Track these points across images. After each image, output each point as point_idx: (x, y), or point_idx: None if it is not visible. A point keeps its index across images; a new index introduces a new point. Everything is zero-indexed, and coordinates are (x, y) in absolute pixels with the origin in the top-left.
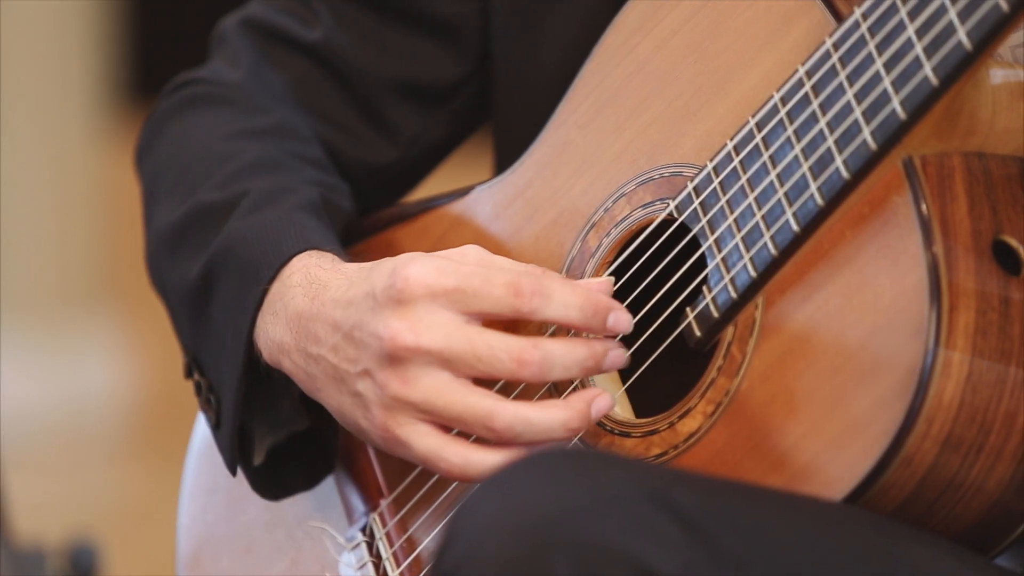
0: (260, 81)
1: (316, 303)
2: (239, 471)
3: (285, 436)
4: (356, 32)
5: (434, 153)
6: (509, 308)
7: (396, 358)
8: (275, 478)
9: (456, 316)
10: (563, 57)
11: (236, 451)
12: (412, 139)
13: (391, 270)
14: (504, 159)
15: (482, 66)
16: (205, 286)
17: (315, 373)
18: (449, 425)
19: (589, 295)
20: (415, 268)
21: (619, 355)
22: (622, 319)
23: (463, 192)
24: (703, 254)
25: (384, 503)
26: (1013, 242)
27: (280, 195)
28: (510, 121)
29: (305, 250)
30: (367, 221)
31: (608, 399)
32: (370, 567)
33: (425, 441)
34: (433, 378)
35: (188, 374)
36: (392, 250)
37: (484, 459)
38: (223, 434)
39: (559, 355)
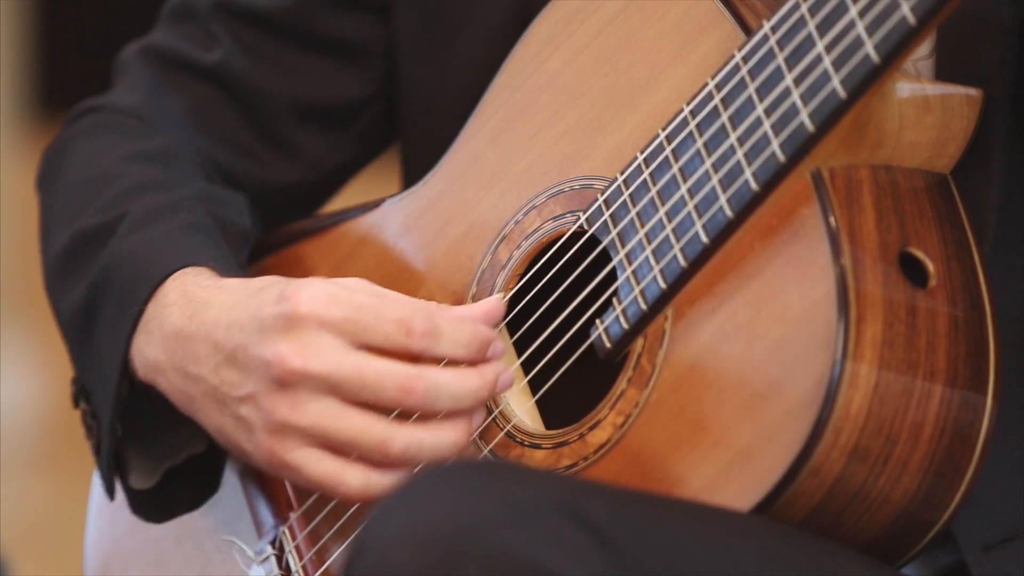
0: (158, 106)
1: (195, 321)
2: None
3: (184, 458)
4: (256, 55)
5: (339, 173)
6: (399, 345)
7: (284, 383)
8: (161, 501)
9: (345, 344)
10: (470, 79)
11: (113, 478)
12: (315, 160)
13: (280, 295)
14: (412, 176)
15: (387, 87)
16: (88, 311)
17: (193, 393)
18: (341, 450)
19: (476, 331)
20: (306, 295)
21: (507, 379)
22: (498, 348)
23: (374, 205)
24: (614, 266)
25: (293, 516)
26: (920, 254)
27: (160, 214)
28: (417, 140)
29: (182, 267)
30: (275, 235)
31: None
32: None
33: (320, 466)
34: (321, 403)
35: (75, 403)
36: (300, 265)
37: (383, 480)
38: (101, 459)
39: (447, 384)
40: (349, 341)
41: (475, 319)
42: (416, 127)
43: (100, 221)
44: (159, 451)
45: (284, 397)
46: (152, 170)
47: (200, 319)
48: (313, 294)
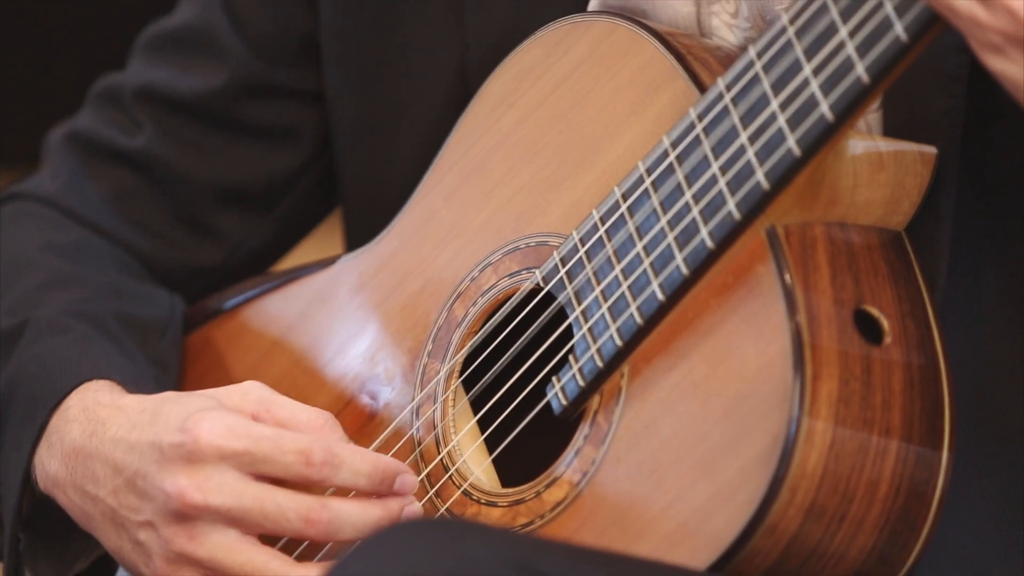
0: (78, 194)
1: (95, 440)
2: None
3: (96, 558)
4: (178, 141)
5: (263, 255)
6: (299, 475)
7: (183, 515)
8: None
9: (245, 476)
10: (415, 157)
11: None
12: (237, 244)
13: (180, 425)
14: (355, 245)
15: (314, 170)
16: None
17: (92, 512)
18: None
19: (378, 461)
20: (206, 427)
21: (413, 511)
22: (408, 481)
23: (329, 262)
24: (570, 323)
25: None
26: (874, 311)
27: (67, 319)
28: (361, 214)
29: (85, 381)
30: (231, 291)
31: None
32: None
33: None
34: (221, 536)
35: None
36: (254, 326)
37: None
38: (5, 565)
39: (350, 515)
40: (249, 472)
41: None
42: (360, 203)
43: (8, 324)
44: (72, 552)
45: (183, 528)
46: (65, 263)
47: (100, 438)
48: (212, 426)
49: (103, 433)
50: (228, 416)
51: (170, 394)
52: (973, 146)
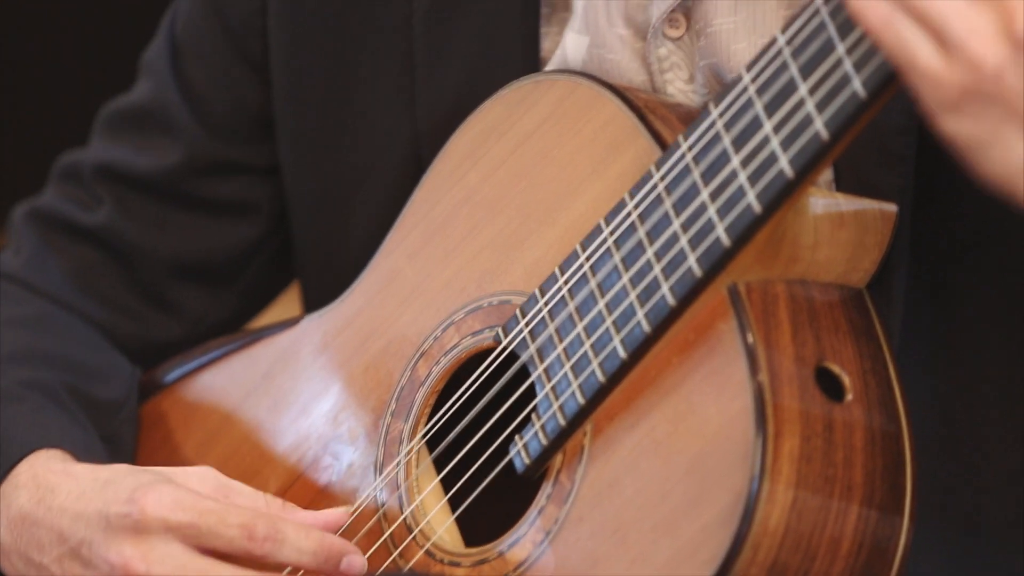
0: (40, 269)
1: (42, 507)
2: None
3: None
4: (138, 217)
5: (224, 327)
6: (242, 550)
7: None
8: None
9: (190, 549)
10: (370, 229)
11: None
12: (197, 317)
13: (128, 496)
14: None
15: (272, 243)
16: None
17: None
18: None
19: (323, 540)
20: (152, 499)
21: None
22: (355, 562)
23: (292, 322)
24: (533, 382)
25: None
26: (836, 369)
27: (22, 390)
28: (318, 283)
29: (35, 450)
30: (196, 351)
31: None
32: None
33: None
34: None
35: None
36: (215, 388)
37: None
38: None
39: None
40: (194, 545)
41: (320, 526)
42: (317, 274)
43: None
44: None
45: None
46: (25, 337)
47: (47, 505)
48: (159, 498)
49: (51, 500)
50: (176, 490)
51: (122, 466)
52: (920, 223)
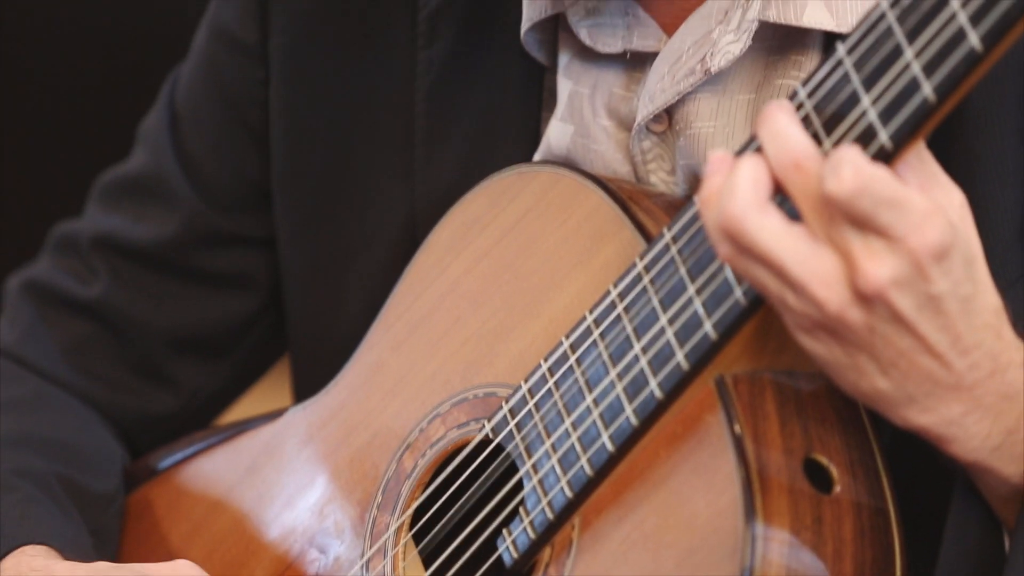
0: (34, 344)
1: None
2: None
3: None
4: (134, 289)
5: (219, 400)
6: None
7: None
8: None
9: None
10: (362, 306)
11: None
12: (193, 390)
13: None
14: (303, 393)
15: (268, 315)
16: None
17: None
18: None
19: None
20: None
21: None
22: None
23: (277, 414)
24: (521, 475)
25: None
26: (824, 460)
27: (14, 479)
28: (308, 361)
29: (21, 545)
30: (178, 444)
31: None
32: None
33: None
34: None
35: None
36: (200, 480)
37: None
38: None
39: None
40: None
41: None
42: (308, 350)
43: None
44: None
45: None
46: (20, 421)
47: None
48: None
49: None
50: None
51: (103, 565)
52: None
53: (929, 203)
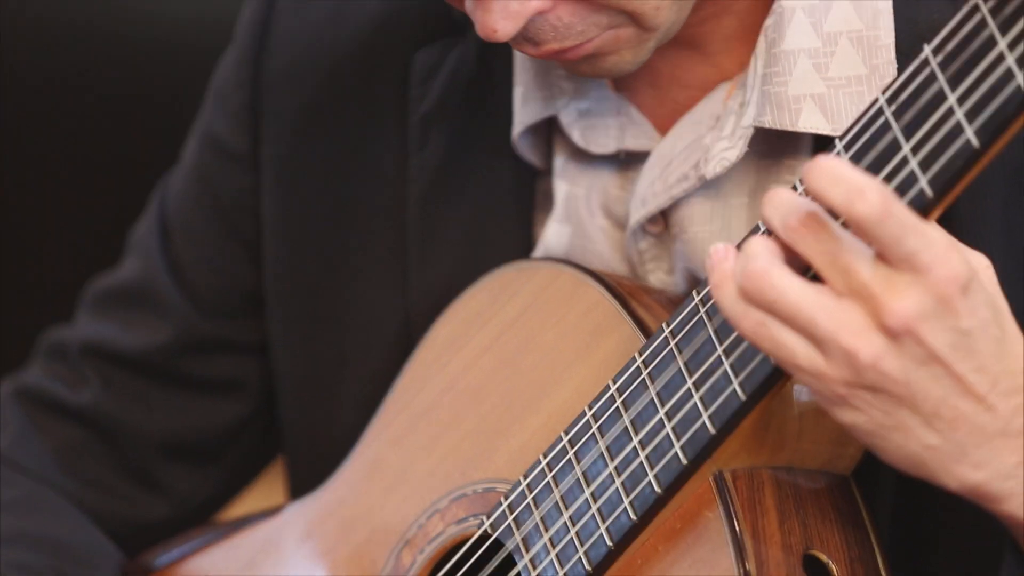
0: (25, 449)
1: None
2: None
3: None
4: (124, 396)
5: (210, 506)
6: None
7: None
8: None
9: None
10: (357, 410)
11: None
12: (184, 496)
13: None
14: (299, 491)
15: (259, 419)
16: None
17: None
18: None
19: None
20: None
21: None
22: None
23: (275, 511)
24: (519, 570)
25: None
26: (823, 556)
27: (12, 573)
28: (303, 462)
29: None
30: (175, 540)
31: None
32: None
33: None
34: None
35: None
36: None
37: None
38: None
39: None
40: None
41: None
42: (303, 454)
43: None
44: None
45: None
46: (14, 520)
47: None
48: None
49: None
50: None
51: None
52: None
53: (948, 239)
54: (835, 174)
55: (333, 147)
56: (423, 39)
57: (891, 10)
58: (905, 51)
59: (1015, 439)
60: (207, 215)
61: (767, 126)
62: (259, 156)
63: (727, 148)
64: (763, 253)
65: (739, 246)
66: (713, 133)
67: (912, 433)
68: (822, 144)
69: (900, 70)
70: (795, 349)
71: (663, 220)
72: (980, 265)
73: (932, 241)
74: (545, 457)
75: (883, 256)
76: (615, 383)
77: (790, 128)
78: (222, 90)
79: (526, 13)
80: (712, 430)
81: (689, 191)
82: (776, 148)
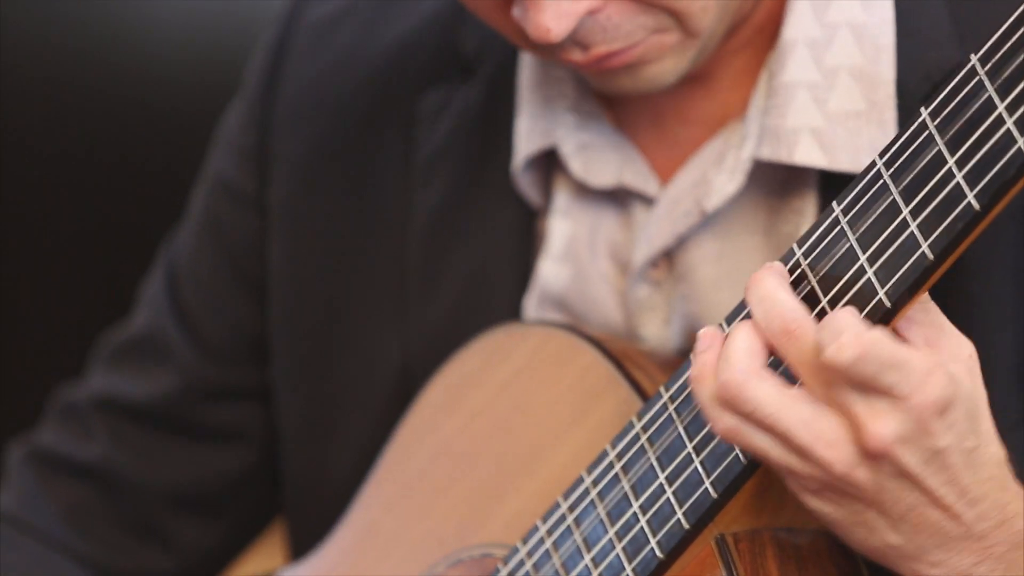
0: (33, 508)
1: None
2: None
3: None
4: (132, 448)
5: (215, 559)
6: None
7: None
8: None
9: None
10: (354, 462)
11: None
12: (191, 549)
13: None
14: (299, 551)
15: (265, 470)
16: None
17: None
18: None
19: None
20: None
21: None
22: None
23: None
24: None
25: None
26: None
27: None
28: (302, 518)
29: None
30: None
31: None
32: None
33: None
34: None
35: None
36: None
37: None
38: None
39: None
40: None
41: None
42: (301, 506)
43: None
44: None
45: None
46: None
47: None
48: None
49: None
50: None
51: None
52: None
53: (929, 360)
54: (795, 320)
55: (339, 190)
56: (430, 80)
57: (894, 47)
58: (907, 88)
59: (976, 542)
60: (215, 259)
61: (765, 158)
62: (266, 199)
63: (727, 182)
64: (742, 359)
65: (730, 319)
66: (715, 168)
67: (876, 532)
68: (827, 183)
69: (900, 107)
70: (768, 451)
71: (667, 264)
72: (964, 354)
73: (910, 371)
74: (544, 523)
75: (862, 389)
76: (614, 448)
77: (787, 161)
78: (230, 134)
79: (579, 12)
80: (714, 494)
81: (692, 227)
82: (782, 187)
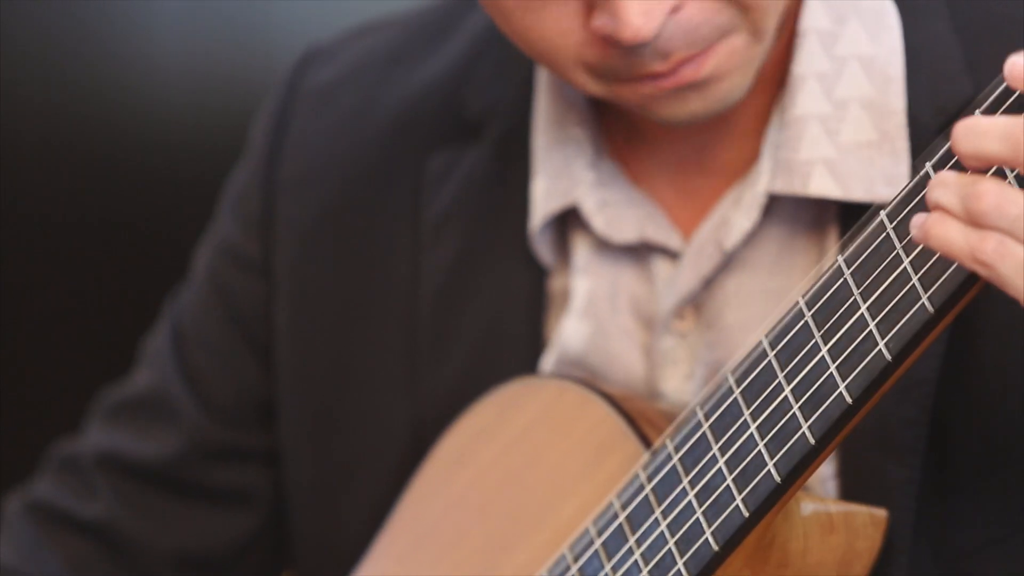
0: (34, 564)
1: None
2: None
3: None
4: (136, 507)
5: None
6: None
7: None
8: None
9: None
10: (366, 521)
11: None
12: None
13: None
14: None
15: (270, 530)
16: None
17: None
18: None
19: None
20: None
21: None
22: None
23: None
24: None
25: None
26: None
27: None
28: (312, 573)
29: None
30: None
31: None
32: None
33: None
34: None
35: None
36: None
37: None
38: None
39: None
40: None
41: None
42: (315, 564)
43: None
44: None
45: None
46: None
47: None
48: None
49: None
50: None
51: None
52: (928, 517)
53: None
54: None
55: (345, 253)
56: (436, 143)
57: (903, 77)
58: (919, 119)
59: None
60: (221, 324)
61: (779, 191)
62: (272, 263)
63: (744, 218)
64: (981, 175)
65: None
66: (734, 208)
67: None
68: (846, 215)
69: (912, 137)
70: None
71: (693, 313)
72: None
73: None
74: (549, 574)
75: None
76: (619, 499)
77: (801, 192)
78: (235, 197)
79: (664, 9)
80: (715, 547)
81: (715, 269)
82: (800, 223)
